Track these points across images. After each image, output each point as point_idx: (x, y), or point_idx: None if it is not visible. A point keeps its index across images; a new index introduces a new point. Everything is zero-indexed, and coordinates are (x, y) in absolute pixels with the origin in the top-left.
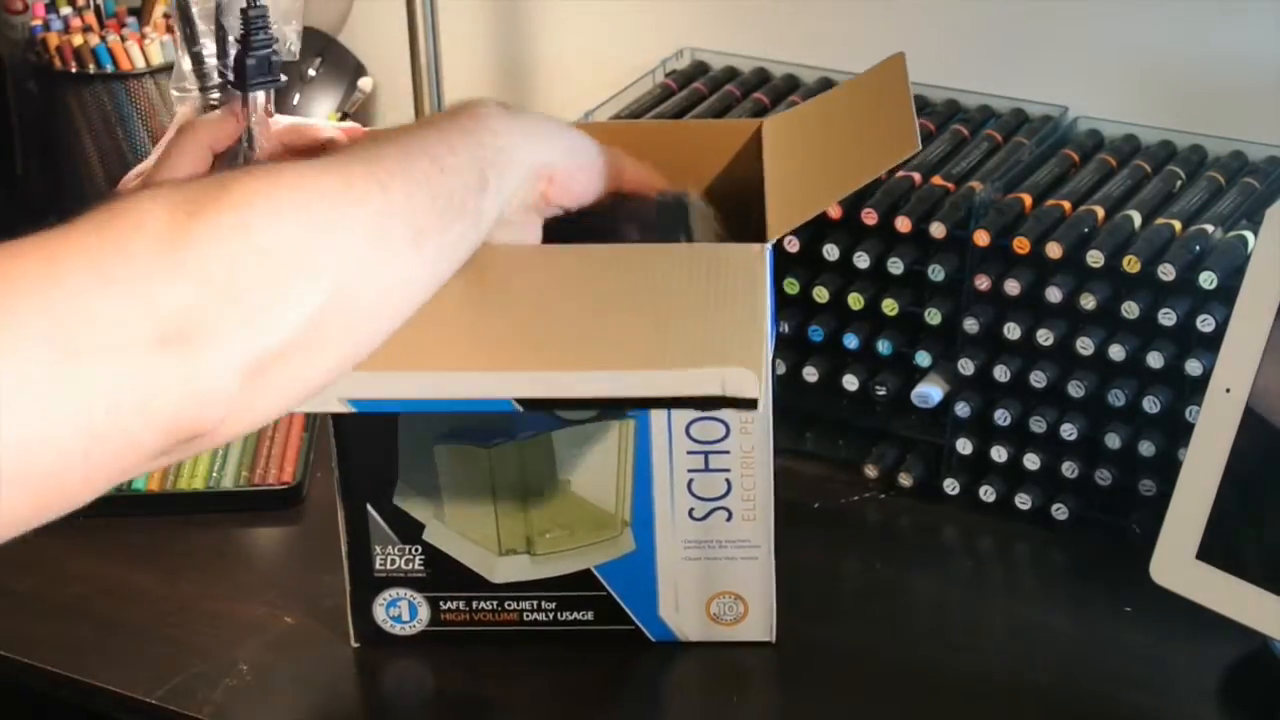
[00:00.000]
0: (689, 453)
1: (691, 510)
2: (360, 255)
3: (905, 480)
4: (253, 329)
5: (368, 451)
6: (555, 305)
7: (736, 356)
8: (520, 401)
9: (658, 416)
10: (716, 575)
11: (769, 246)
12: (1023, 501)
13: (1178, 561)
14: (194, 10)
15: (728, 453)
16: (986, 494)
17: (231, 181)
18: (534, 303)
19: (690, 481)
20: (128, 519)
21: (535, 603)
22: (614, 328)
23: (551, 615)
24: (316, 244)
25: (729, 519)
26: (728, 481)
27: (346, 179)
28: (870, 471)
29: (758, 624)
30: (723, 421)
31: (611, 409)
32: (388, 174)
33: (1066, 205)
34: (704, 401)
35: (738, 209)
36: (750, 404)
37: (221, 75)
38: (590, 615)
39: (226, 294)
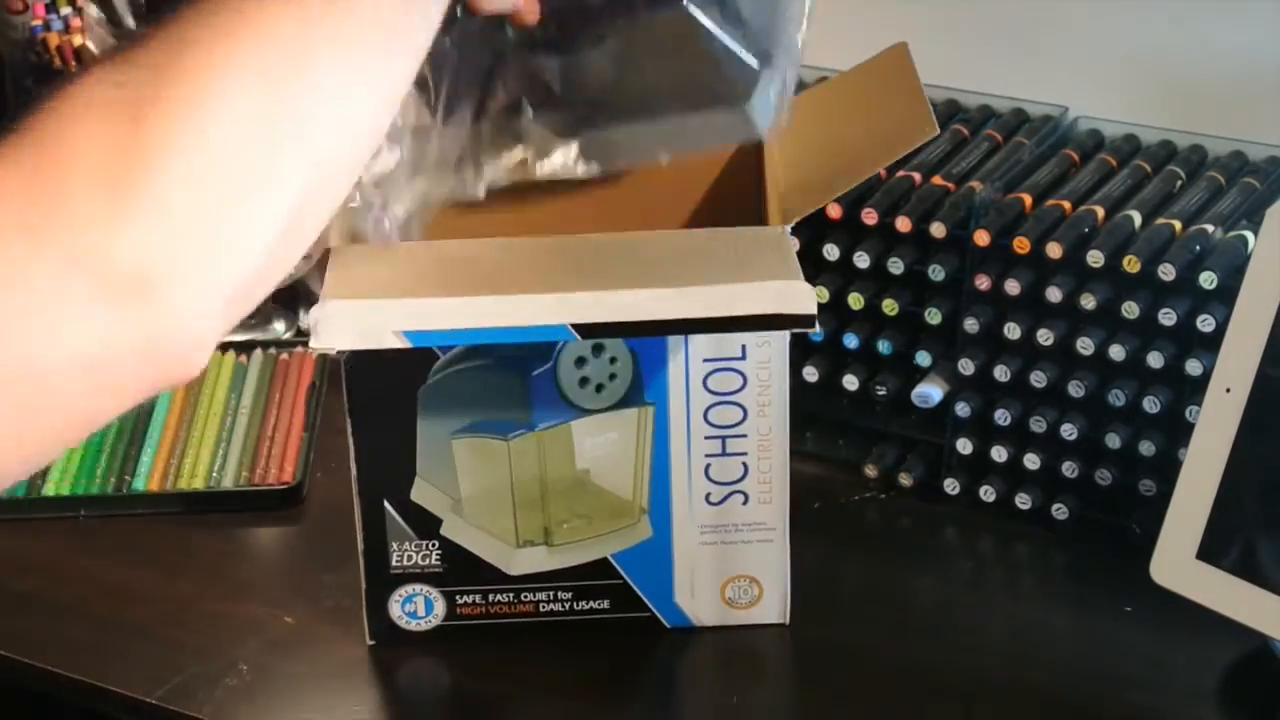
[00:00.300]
0: (706, 437)
1: (708, 495)
2: (338, 96)
3: (905, 480)
4: (226, 254)
5: (385, 447)
6: (603, 252)
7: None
8: (578, 327)
9: (676, 401)
10: (732, 559)
11: (788, 228)
12: (1023, 501)
13: (1178, 561)
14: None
15: (745, 436)
16: (986, 494)
17: (182, 56)
18: (579, 253)
19: (708, 466)
20: (128, 519)
21: (551, 593)
22: (662, 266)
23: (568, 605)
24: (288, 112)
25: (745, 502)
26: (745, 465)
27: (303, 5)
28: (870, 471)
29: (772, 607)
30: (740, 405)
31: (653, 351)
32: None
33: (1066, 205)
34: (762, 320)
35: (736, 194)
36: (808, 321)
37: None
38: (606, 604)
39: (188, 223)
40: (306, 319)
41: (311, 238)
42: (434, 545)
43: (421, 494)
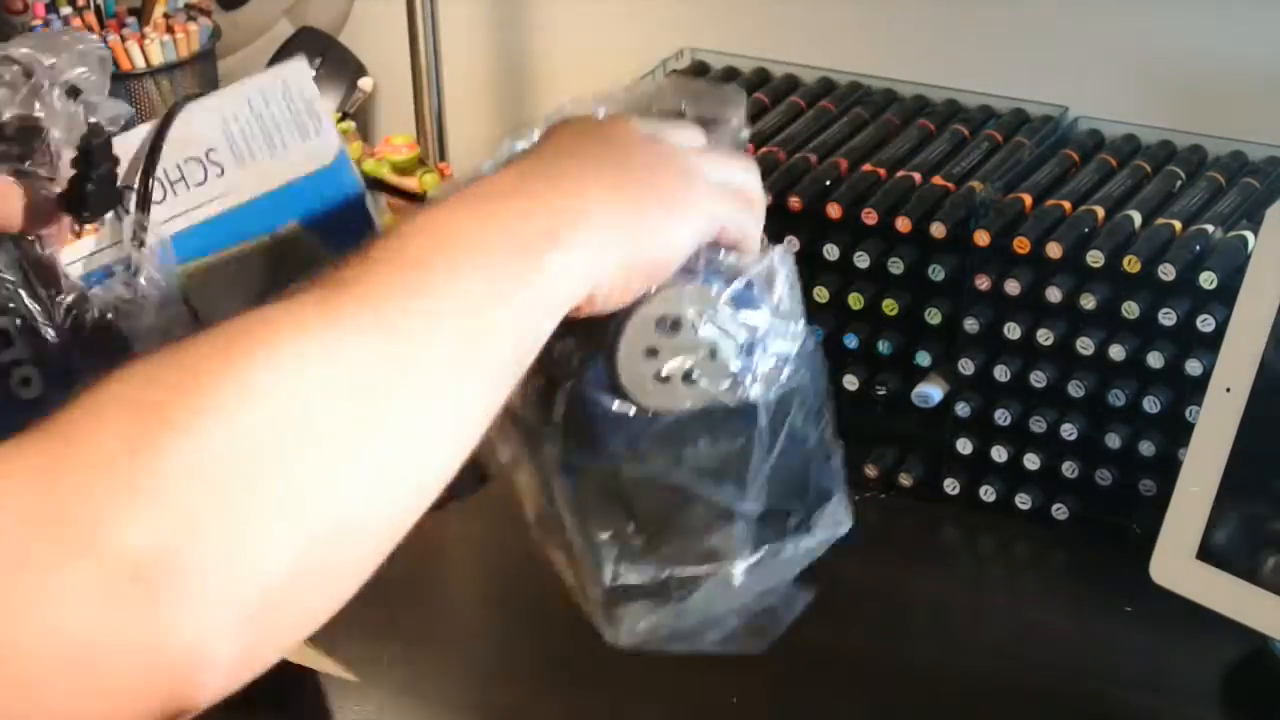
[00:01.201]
0: None
1: None
2: (394, 435)
3: (905, 480)
4: (240, 559)
5: None
6: None
7: None
8: None
9: None
10: None
11: None
12: (1023, 501)
13: (1178, 561)
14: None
15: None
16: (986, 494)
17: (223, 364)
18: None
19: None
20: None
21: None
22: None
23: None
24: (331, 436)
25: None
26: None
27: (369, 327)
28: (870, 471)
29: None
30: None
31: None
32: (423, 358)
33: (1066, 205)
34: None
35: None
36: None
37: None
38: None
39: (199, 519)
40: None
41: (353, 573)
42: None
43: None
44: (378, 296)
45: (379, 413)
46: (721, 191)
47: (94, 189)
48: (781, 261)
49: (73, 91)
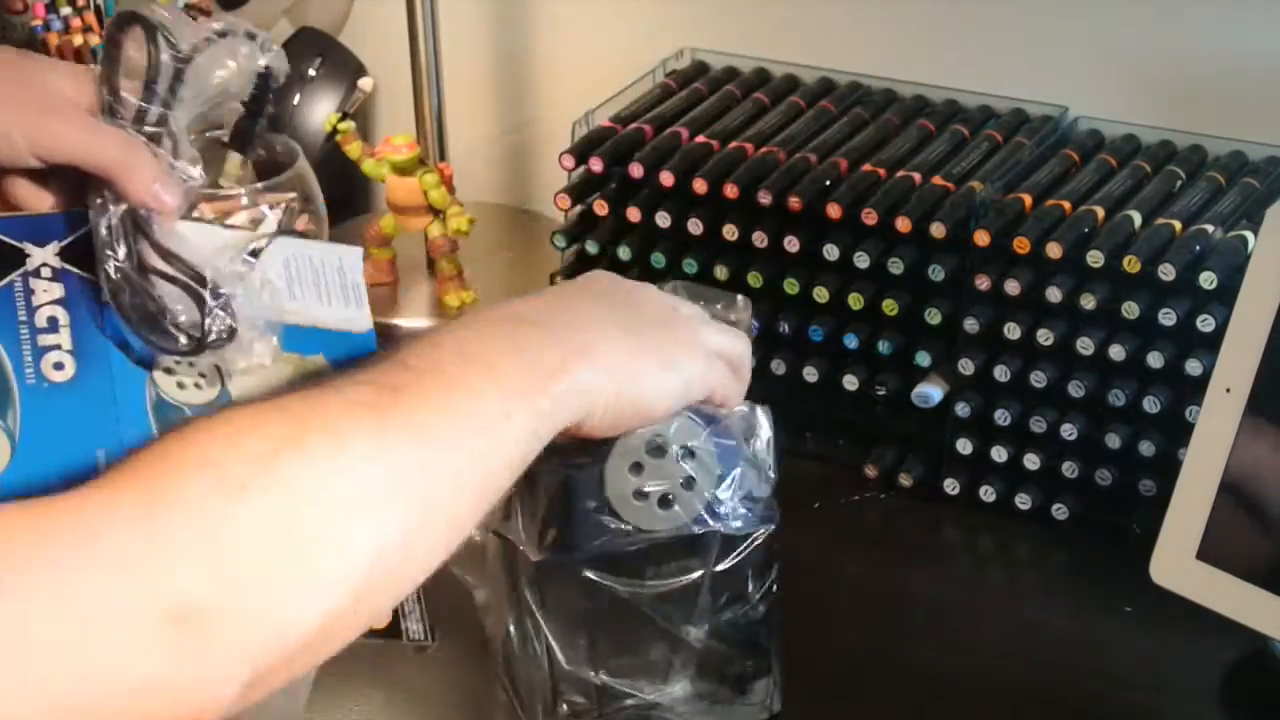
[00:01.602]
0: None
1: None
2: (421, 498)
3: (905, 480)
4: (280, 604)
5: None
6: None
7: None
8: None
9: None
10: None
11: None
12: (1023, 501)
13: (1178, 561)
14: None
15: None
16: (986, 494)
17: (294, 445)
18: None
19: None
20: None
21: None
22: None
23: None
24: (379, 497)
25: None
26: None
27: (400, 461)
28: (870, 471)
29: None
30: None
31: None
32: (444, 466)
33: (1066, 205)
34: None
35: None
36: None
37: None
38: None
39: (251, 566)
40: None
41: (345, 640)
42: None
43: None
44: (419, 410)
45: (404, 506)
46: (716, 360)
47: (260, 128)
48: (761, 416)
49: (250, 35)
